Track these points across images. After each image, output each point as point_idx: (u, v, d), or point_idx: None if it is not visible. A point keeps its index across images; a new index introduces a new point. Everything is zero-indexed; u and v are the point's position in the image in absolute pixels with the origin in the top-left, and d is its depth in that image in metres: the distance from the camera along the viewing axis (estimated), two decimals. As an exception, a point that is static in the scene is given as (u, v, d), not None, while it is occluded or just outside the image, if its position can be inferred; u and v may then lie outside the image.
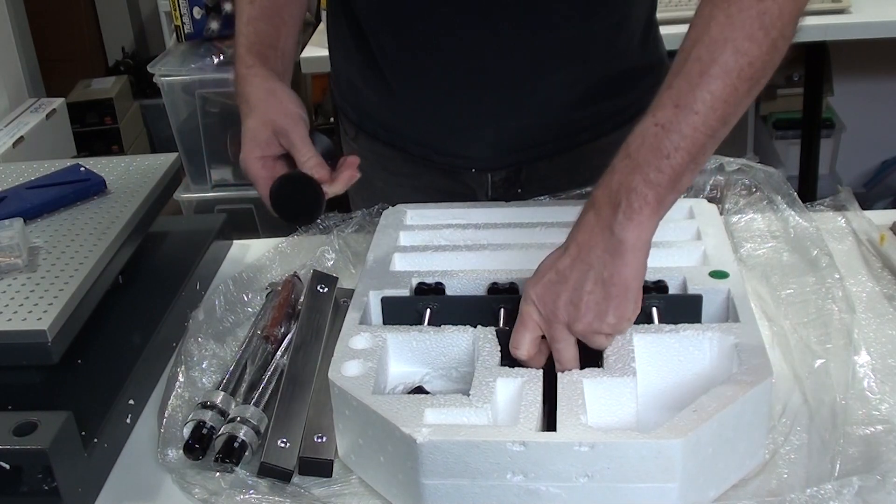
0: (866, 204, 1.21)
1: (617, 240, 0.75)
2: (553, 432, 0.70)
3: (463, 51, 1.05)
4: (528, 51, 1.05)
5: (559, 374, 0.77)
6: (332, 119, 2.61)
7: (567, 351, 0.77)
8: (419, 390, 0.82)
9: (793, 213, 1.05)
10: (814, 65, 2.44)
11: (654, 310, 0.84)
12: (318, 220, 1.13)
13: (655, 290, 0.87)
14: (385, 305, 0.89)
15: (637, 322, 0.80)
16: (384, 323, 0.89)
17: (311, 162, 0.96)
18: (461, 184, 1.16)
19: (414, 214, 1.04)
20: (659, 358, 0.81)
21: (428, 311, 0.87)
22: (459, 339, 0.83)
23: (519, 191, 1.17)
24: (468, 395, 0.75)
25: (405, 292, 0.90)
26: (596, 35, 1.07)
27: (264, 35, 1.07)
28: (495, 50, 1.05)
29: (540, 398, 0.75)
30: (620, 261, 0.75)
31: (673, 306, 0.85)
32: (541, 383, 0.76)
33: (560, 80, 1.08)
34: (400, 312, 0.88)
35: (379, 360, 0.80)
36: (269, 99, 1.02)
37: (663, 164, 0.74)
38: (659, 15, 1.17)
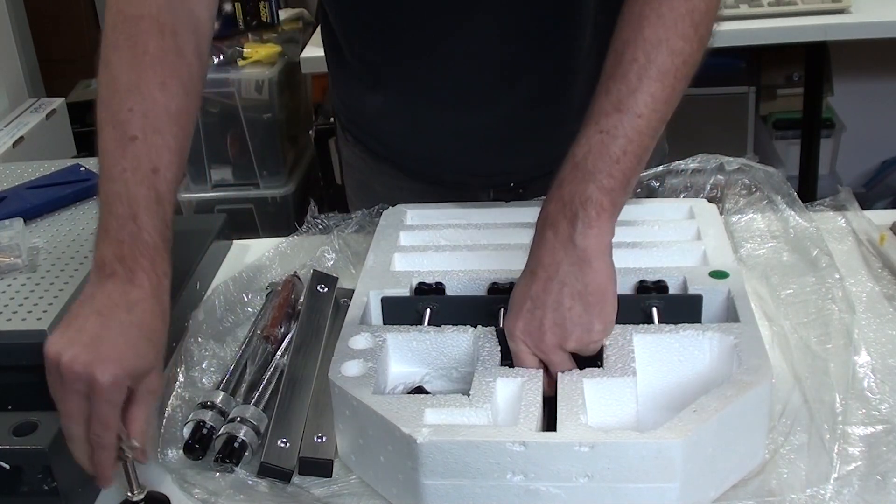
0: (866, 204, 1.21)
1: (581, 250, 0.75)
2: (553, 432, 0.71)
3: (459, 68, 1.03)
4: (528, 75, 1.03)
5: (559, 374, 0.77)
6: (332, 119, 2.61)
7: (565, 364, 0.78)
8: (419, 390, 0.82)
9: (793, 213, 1.05)
10: (814, 65, 2.44)
11: (655, 310, 0.84)
12: (319, 220, 1.13)
13: (655, 290, 0.87)
14: (385, 305, 0.89)
15: (637, 322, 0.80)
16: (384, 323, 0.89)
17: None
18: (460, 196, 1.15)
19: (414, 214, 1.04)
20: (659, 358, 0.81)
21: (428, 311, 0.87)
22: (459, 340, 0.83)
23: (521, 191, 1.17)
24: (468, 395, 0.75)
25: (405, 292, 0.90)
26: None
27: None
28: (496, 71, 1.02)
29: (540, 398, 0.75)
30: (589, 269, 0.75)
31: (673, 306, 0.85)
32: (541, 383, 0.76)
33: (562, 106, 1.04)
34: (400, 312, 0.88)
35: (379, 361, 0.80)
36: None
37: (614, 169, 0.75)
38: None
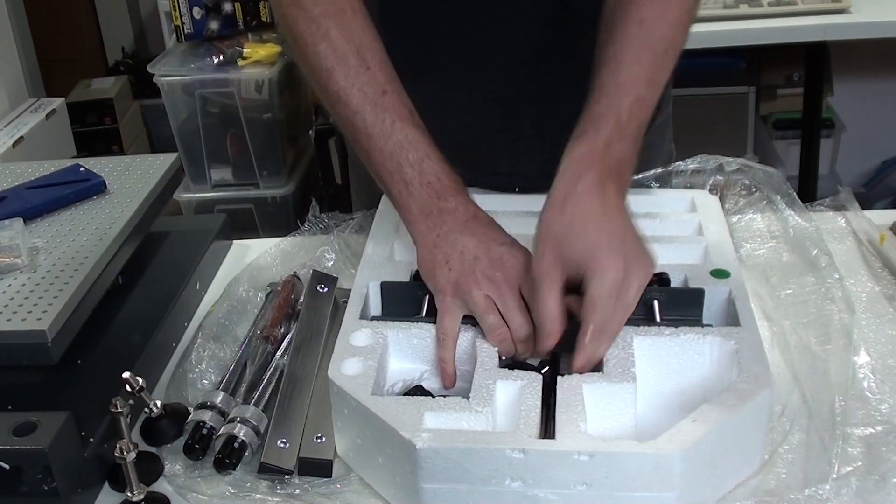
0: (866, 204, 1.21)
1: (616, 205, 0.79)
2: (552, 440, 0.70)
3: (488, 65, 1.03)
4: (555, 69, 1.04)
5: (559, 379, 0.76)
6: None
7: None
8: (418, 389, 0.82)
9: (793, 213, 1.05)
10: (814, 65, 2.44)
11: (656, 303, 0.84)
12: (319, 220, 1.13)
13: (658, 282, 0.86)
14: (384, 291, 0.88)
15: (639, 315, 0.80)
16: (383, 310, 0.88)
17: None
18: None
19: None
20: (659, 362, 0.80)
21: (427, 297, 0.86)
22: (459, 337, 0.83)
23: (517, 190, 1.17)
24: (467, 396, 0.75)
25: (405, 282, 0.89)
26: None
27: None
28: (523, 65, 1.03)
29: (539, 403, 0.74)
30: (623, 217, 0.79)
31: (675, 299, 0.85)
32: (540, 387, 0.76)
33: (574, 108, 1.01)
34: (399, 299, 0.87)
35: (379, 358, 0.80)
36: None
37: (640, 135, 0.83)
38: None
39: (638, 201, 1.00)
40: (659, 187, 1.08)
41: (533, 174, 1.10)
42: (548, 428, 0.74)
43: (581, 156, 0.80)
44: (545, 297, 0.77)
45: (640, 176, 1.08)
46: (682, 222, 0.98)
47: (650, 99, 0.83)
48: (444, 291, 0.82)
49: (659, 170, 1.08)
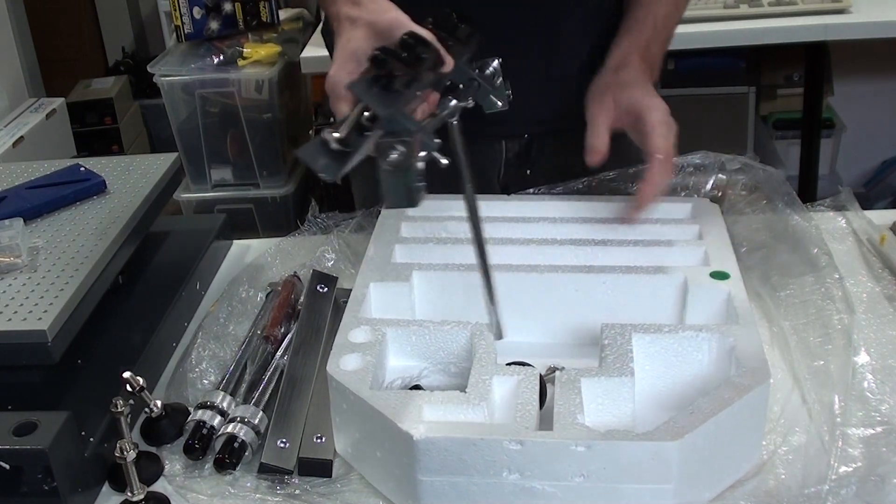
0: (866, 204, 1.21)
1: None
2: (550, 431, 0.71)
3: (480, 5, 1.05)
4: (547, 16, 1.08)
5: (557, 373, 0.77)
6: (331, 119, 2.61)
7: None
8: (417, 389, 0.82)
9: (793, 213, 1.05)
10: (814, 65, 2.44)
11: None
12: (319, 220, 1.13)
13: None
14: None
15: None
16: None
17: None
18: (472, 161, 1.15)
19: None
20: (657, 358, 0.81)
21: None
22: (457, 335, 0.83)
23: (528, 172, 1.17)
24: (465, 391, 0.75)
25: (406, 284, 0.90)
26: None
27: None
28: (514, 11, 1.06)
29: (536, 396, 0.75)
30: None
31: None
32: (537, 381, 0.76)
33: (576, 49, 1.12)
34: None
35: (378, 355, 0.80)
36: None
37: (669, 39, 1.10)
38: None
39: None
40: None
41: (539, 121, 1.11)
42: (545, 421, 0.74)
43: (628, 46, 1.05)
44: (599, 126, 0.99)
45: (640, 168, 1.08)
46: (683, 227, 0.98)
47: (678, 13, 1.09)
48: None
49: None
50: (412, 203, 0.72)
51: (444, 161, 0.74)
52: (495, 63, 0.93)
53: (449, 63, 0.81)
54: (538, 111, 1.13)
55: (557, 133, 1.15)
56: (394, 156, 0.69)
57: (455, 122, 0.84)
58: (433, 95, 0.83)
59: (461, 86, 0.89)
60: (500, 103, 0.95)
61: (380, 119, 0.71)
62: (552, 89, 1.13)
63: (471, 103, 0.87)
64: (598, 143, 0.99)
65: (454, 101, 0.84)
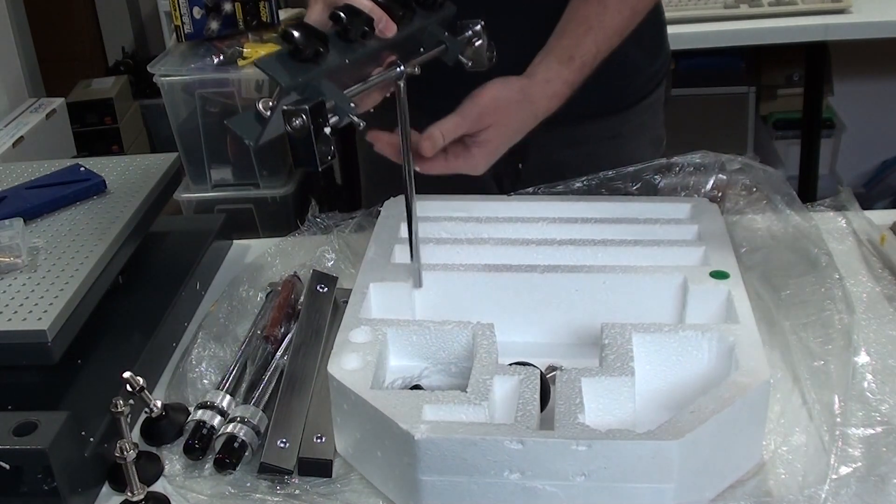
0: (866, 204, 1.21)
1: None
2: (550, 431, 0.71)
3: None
4: (534, 14, 1.06)
5: (558, 373, 0.77)
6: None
7: None
8: (417, 389, 0.82)
9: (793, 213, 1.05)
10: (814, 65, 2.44)
11: None
12: (319, 220, 1.14)
13: None
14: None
15: None
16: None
17: None
18: None
19: (416, 206, 1.04)
20: (657, 358, 0.81)
21: None
22: (458, 335, 0.83)
23: (520, 166, 1.17)
24: (466, 391, 0.75)
25: (406, 284, 0.90)
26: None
27: None
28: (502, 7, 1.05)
29: (537, 396, 0.75)
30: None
31: None
32: (538, 381, 0.76)
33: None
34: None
35: (378, 354, 0.80)
36: None
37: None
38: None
39: (638, 209, 1.00)
40: (659, 182, 1.08)
41: None
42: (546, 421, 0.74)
43: (547, 81, 0.99)
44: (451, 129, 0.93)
45: (640, 167, 1.08)
46: (683, 227, 0.98)
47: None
48: None
49: (662, 160, 1.08)
50: (317, 166, 0.77)
51: (362, 124, 0.81)
52: (477, 27, 0.95)
53: (390, 29, 0.85)
54: None
55: (548, 126, 1.15)
56: (297, 122, 0.75)
57: (401, 85, 0.87)
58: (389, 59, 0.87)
59: (422, 48, 0.92)
60: (470, 63, 0.95)
61: (282, 90, 0.77)
62: None
63: (417, 71, 0.89)
64: (436, 142, 0.93)
65: (399, 69, 0.87)
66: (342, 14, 0.82)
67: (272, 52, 0.79)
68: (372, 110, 0.93)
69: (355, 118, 0.80)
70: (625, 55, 1.15)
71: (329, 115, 0.78)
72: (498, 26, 0.99)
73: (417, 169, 0.92)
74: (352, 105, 0.80)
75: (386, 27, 0.87)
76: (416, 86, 0.89)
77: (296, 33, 0.78)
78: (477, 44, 0.95)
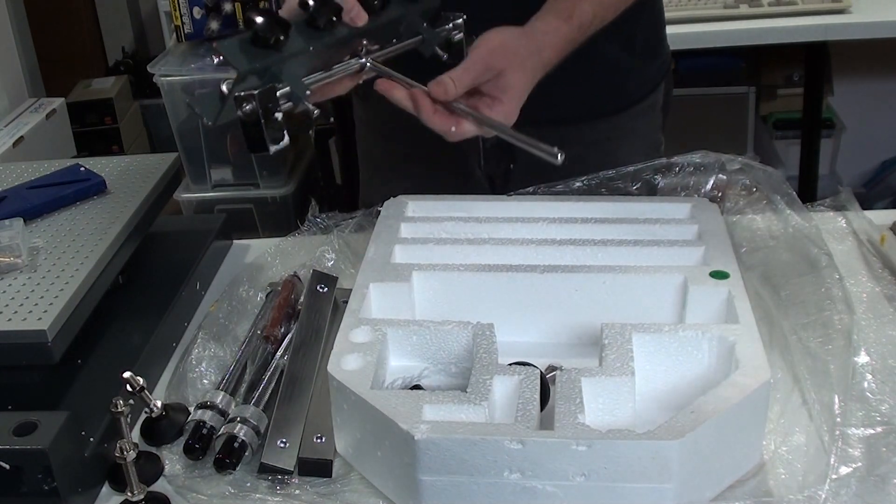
0: (866, 204, 1.21)
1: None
2: (550, 431, 0.71)
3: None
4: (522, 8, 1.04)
5: (558, 373, 0.77)
6: (331, 119, 2.61)
7: None
8: (417, 389, 0.82)
9: (793, 213, 1.05)
10: (814, 65, 2.44)
11: None
12: (319, 220, 1.14)
13: None
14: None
15: None
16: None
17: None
18: (454, 147, 1.15)
19: (415, 206, 1.04)
20: (657, 358, 0.81)
21: None
22: (458, 335, 0.83)
23: (511, 166, 1.17)
24: (466, 391, 0.75)
25: (406, 284, 0.90)
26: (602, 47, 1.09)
27: None
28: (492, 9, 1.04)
29: (537, 396, 0.75)
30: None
31: None
32: (538, 381, 0.76)
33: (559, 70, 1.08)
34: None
35: (378, 355, 0.80)
36: None
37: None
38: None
39: (638, 209, 1.01)
40: (659, 182, 1.08)
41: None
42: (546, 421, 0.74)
43: (546, 33, 0.96)
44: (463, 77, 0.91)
45: (640, 167, 1.08)
46: (683, 227, 0.98)
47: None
48: None
49: (662, 160, 1.08)
50: (267, 151, 0.79)
51: (317, 111, 0.82)
52: (458, 20, 0.95)
53: (360, 19, 0.87)
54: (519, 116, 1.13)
55: (538, 125, 1.15)
56: (247, 107, 0.77)
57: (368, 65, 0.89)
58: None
59: (395, 39, 0.93)
60: (446, 56, 0.95)
61: (238, 74, 0.79)
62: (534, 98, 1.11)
63: (380, 59, 0.90)
64: (447, 87, 0.90)
65: (361, 60, 0.89)
66: (310, 2, 0.83)
67: (234, 37, 0.81)
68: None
69: (310, 105, 0.82)
70: (615, 56, 1.15)
71: (282, 102, 0.79)
72: (485, 19, 0.99)
73: (451, 137, 0.91)
74: (308, 92, 0.82)
75: (357, 16, 0.87)
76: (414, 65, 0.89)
77: (257, 19, 0.79)
78: (457, 37, 0.95)
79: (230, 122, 0.80)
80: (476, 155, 1.19)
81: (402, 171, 1.25)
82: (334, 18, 0.85)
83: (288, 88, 0.80)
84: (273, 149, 0.79)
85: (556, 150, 0.87)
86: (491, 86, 0.92)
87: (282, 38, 0.80)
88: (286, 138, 0.80)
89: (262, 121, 0.77)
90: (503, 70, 0.92)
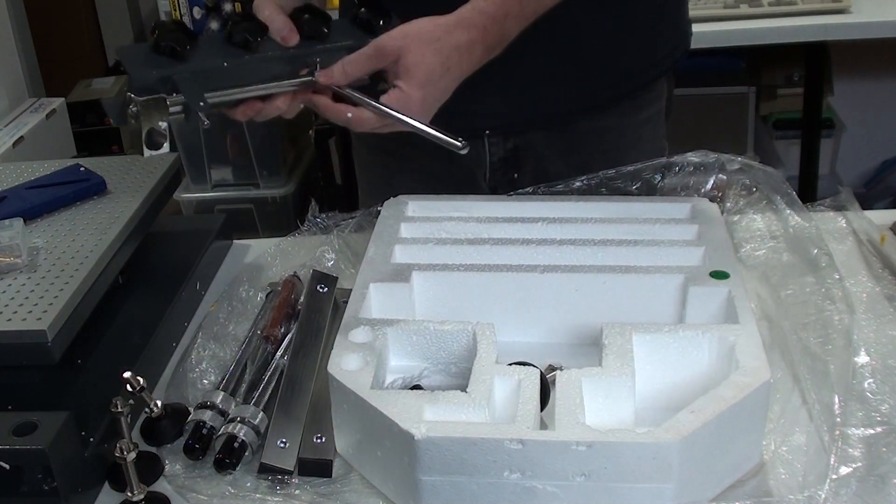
0: (866, 204, 1.21)
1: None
2: (551, 431, 0.71)
3: None
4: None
5: (558, 373, 0.77)
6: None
7: None
8: (417, 389, 0.82)
9: (793, 213, 1.05)
10: (814, 65, 2.44)
11: None
12: (319, 220, 1.14)
13: None
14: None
15: None
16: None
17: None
18: (458, 165, 1.15)
19: (415, 206, 1.04)
20: (658, 358, 0.81)
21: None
22: (458, 335, 0.83)
23: (515, 175, 1.17)
24: (466, 391, 0.75)
25: (406, 284, 0.90)
26: (601, 25, 1.09)
27: None
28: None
29: (537, 396, 0.75)
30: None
31: None
32: (538, 381, 0.76)
33: (557, 53, 1.09)
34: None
35: (378, 355, 0.80)
36: None
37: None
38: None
39: (638, 209, 1.01)
40: (658, 182, 1.08)
41: (496, 115, 1.11)
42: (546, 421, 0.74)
43: (461, 12, 0.92)
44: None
45: (640, 166, 1.08)
46: (683, 227, 0.98)
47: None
48: None
49: (662, 160, 1.08)
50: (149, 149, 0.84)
51: (206, 122, 0.85)
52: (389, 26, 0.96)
53: (290, 39, 0.89)
54: (519, 114, 1.13)
55: (542, 129, 1.15)
56: (132, 110, 0.82)
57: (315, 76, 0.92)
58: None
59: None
60: None
61: (131, 80, 0.84)
62: (537, 86, 1.12)
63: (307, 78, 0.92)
64: (332, 74, 0.92)
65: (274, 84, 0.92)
66: (229, 20, 0.87)
67: (140, 43, 0.84)
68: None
69: (203, 116, 0.84)
70: (613, 35, 1.13)
71: (174, 111, 0.83)
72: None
73: (352, 125, 0.92)
74: (202, 104, 0.85)
75: (287, 37, 0.89)
76: None
77: (158, 29, 0.81)
78: None
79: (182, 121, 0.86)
80: (482, 169, 1.19)
81: (403, 188, 1.22)
82: (258, 38, 0.88)
83: (182, 98, 0.83)
84: (147, 153, 0.83)
85: (459, 140, 0.88)
86: (390, 72, 0.91)
87: (178, 49, 0.83)
88: (165, 146, 0.84)
89: (141, 126, 0.83)
90: (400, 54, 0.89)
